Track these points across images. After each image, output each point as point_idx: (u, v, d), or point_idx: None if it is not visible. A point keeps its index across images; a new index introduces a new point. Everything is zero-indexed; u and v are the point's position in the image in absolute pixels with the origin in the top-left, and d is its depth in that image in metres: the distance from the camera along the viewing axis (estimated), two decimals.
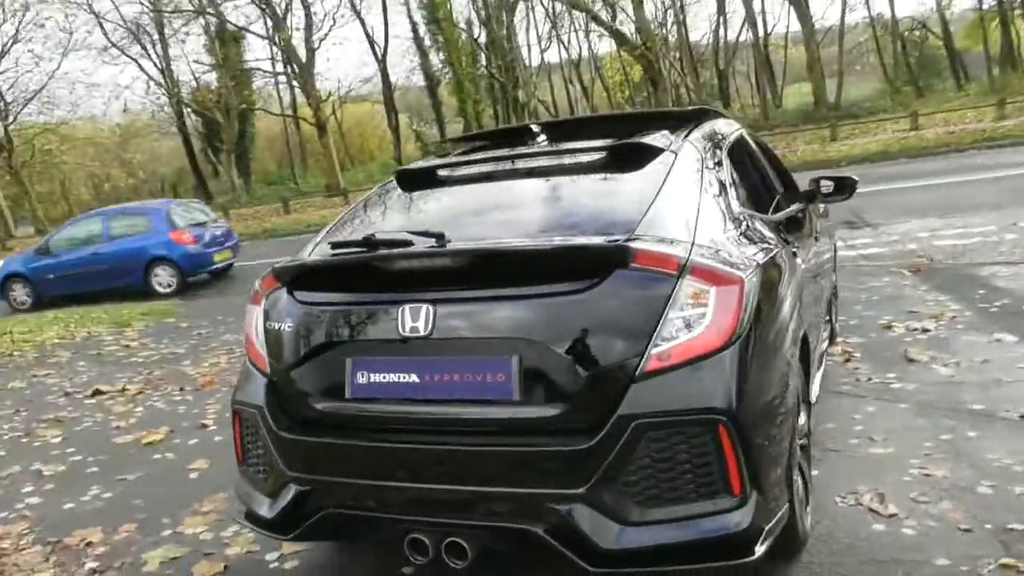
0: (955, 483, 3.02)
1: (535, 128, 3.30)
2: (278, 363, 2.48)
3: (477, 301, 2.23)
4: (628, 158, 2.65)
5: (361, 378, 2.34)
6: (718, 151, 2.84)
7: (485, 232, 2.52)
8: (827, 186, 4.27)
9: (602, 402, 2.08)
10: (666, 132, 2.89)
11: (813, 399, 3.08)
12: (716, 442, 2.05)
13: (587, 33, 36.61)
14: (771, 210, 3.28)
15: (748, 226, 2.63)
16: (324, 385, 2.41)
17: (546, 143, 3.11)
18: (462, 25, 35.83)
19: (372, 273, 2.37)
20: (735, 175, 2.83)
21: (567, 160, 2.78)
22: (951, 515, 2.79)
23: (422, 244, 2.33)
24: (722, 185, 2.67)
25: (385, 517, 2.30)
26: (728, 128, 3.31)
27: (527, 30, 39.43)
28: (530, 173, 2.81)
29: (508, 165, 2.86)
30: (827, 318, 4.46)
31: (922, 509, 2.84)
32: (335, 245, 2.55)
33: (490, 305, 2.22)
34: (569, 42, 42.92)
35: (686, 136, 2.83)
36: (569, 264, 2.18)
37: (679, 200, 2.44)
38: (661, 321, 2.09)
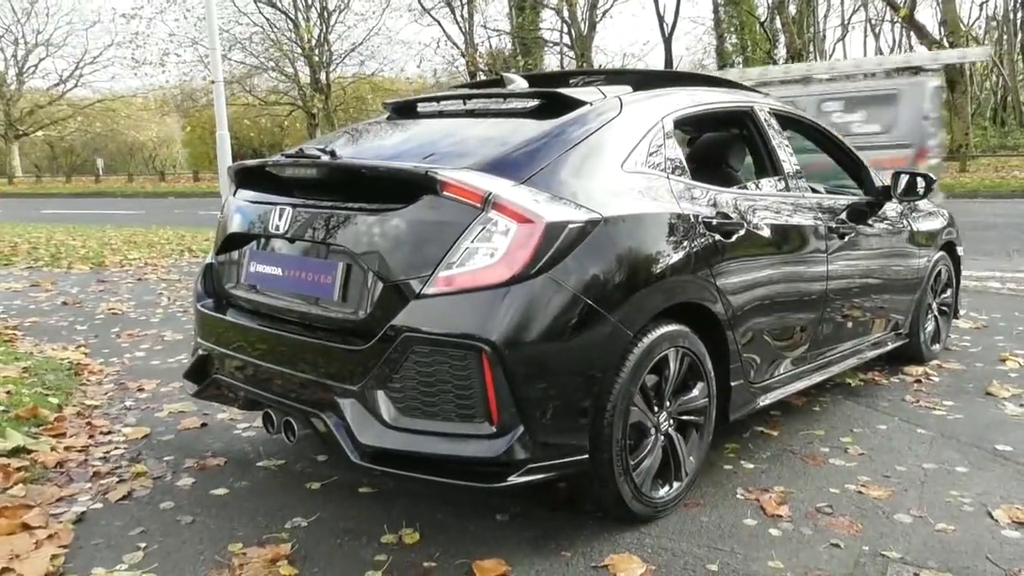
0: (880, 507, 2.73)
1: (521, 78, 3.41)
2: (216, 247, 2.92)
3: (321, 209, 2.50)
4: (550, 106, 2.72)
5: (251, 267, 2.73)
6: (656, 114, 2.79)
7: (371, 153, 2.77)
8: (903, 183, 3.88)
9: (387, 313, 2.25)
10: (612, 88, 2.88)
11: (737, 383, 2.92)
12: (479, 370, 2.14)
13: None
14: (750, 187, 3.14)
15: (652, 189, 2.59)
16: (232, 270, 2.83)
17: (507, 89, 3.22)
18: (760, 11, 34.97)
19: (271, 178, 2.72)
20: (667, 140, 2.76)
21: (504, 105, 2.90)
22: (836, 528, 2.55)
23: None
24: (635, 144, 2.64)
25: (247, 390, 2.67)
26: (706, 97, 3.18)
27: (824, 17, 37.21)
28: (469, 113, 2.97)
29: (460, 105, 3.04)
30: (892, 327, 4.08)
31: (818, 519, 2.63)
32: (284, 155, 2.93)
33: (330, 214, 2.47)
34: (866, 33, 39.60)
35: (625, 95, 2.81)
36: (389, 186, 2.37)
37: (558, 146, 2.48)
38: (453, 247, 2.21)
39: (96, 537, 2.54)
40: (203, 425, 3.56)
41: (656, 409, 2.59)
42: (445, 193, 2.27)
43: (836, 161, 4.10)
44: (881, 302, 3.94)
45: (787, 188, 3.33)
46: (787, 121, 3.60)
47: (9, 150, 36.59)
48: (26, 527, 2.57)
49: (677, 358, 2.61)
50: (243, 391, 2.68)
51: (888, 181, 3.97)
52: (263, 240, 2.70)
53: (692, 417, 2.75)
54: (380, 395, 2.24)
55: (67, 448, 3.25)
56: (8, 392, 3.84)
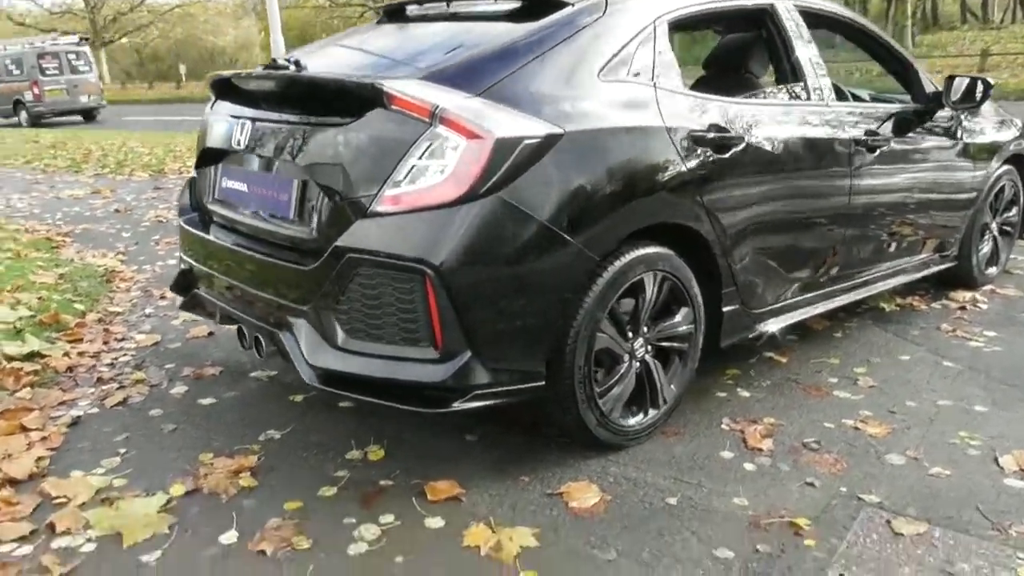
0: (874, 446, 2.57)
1: None
2: (196, 161, 2.90)
3: (278, 123, 2.42)
4: (532, 8, 2.54)
5: (223, 182, 2.70)
6: (647, 16, 2.55)
7: (342, 63, 2.65)
8: (959, 88, 3.52)
9: (334, 233, 2.19)
10: None
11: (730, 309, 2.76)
12: (423, 294, 2.07)
13: None
14: (757, 95, 2.89)
15: (633, 100, 2.40)
16: (208, 185, 2.80)
17: None
18: None
19: (240, 91, 2.65)
20: (658, 45, 2.53)
21: (487, 7, 2.72)
22: (818, 465, 2.42)
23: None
24: (617, 50, 2.44)
25: (219, 305, 2.68)
26: None
27: None
28: (452, 17, 2.80)
29: (444, 7, 2.87)
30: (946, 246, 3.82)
31: (800, 456, 2.51)
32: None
33: (286, 128, 2.39)
34: None
35: None
36: (339, 99, 2.26)
37: (527, 53, 2.31)
38: (400, 164, 2.11)
39: (84, 441, 2.65)
40: (210, 335, 3.64)
41: (630, 335, 2.47)
42: (393, 107, 2.15)
43: (881, 63, 3.73)
44: (922, 222, 3.63)
45: (807, 96, 3.04)
46: (818, 19, 3.25)
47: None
48: (23, 429, 2.70)
49: (655, 282, 2.47)
50: (217, 306, 2.70)
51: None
52: (231, 155, 2.65)
53: (674, 344, 2.62)
54: (329, 316, 2.20)
55: (80, 353, 3.38)
56: (40, 298, 4.02)
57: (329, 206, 2.24)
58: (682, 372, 2.66)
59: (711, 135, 2.55)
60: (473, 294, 2.09)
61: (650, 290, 2.46)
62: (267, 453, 2.54)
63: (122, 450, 2.57)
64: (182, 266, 2.92)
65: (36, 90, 18.32)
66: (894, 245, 3.53)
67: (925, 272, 3.84)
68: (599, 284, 2.31)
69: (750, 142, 2.66)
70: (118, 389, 3.04)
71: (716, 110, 2.62)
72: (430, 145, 2.10)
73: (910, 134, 3.48)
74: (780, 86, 3.05)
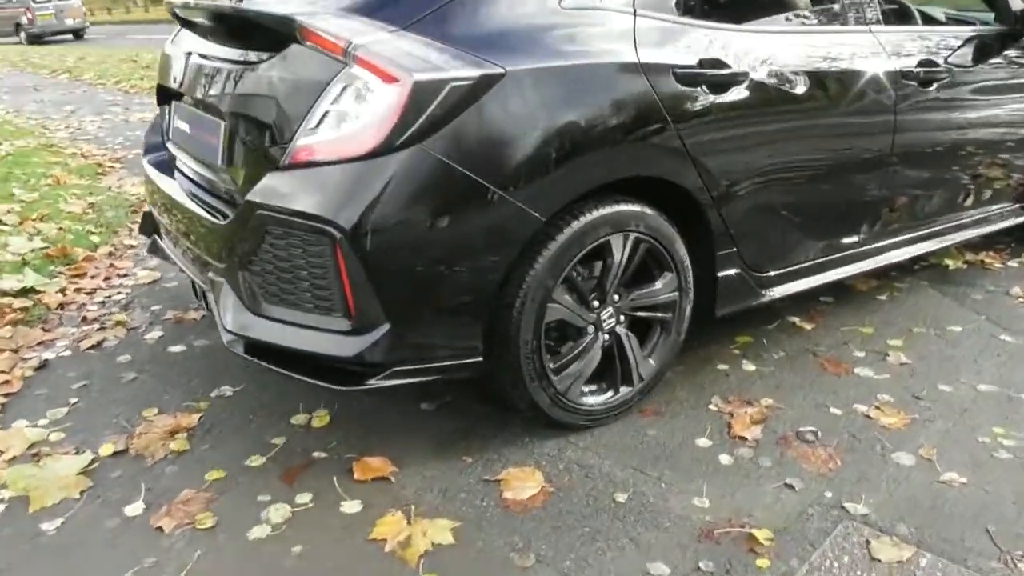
0: (882, 441, 2.21)
1: None
2: (156, 97, 2.72)
3: (210, 59, 2.20)
4: None
5: (174, 122, 2.51)
6: None
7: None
8: None
9: (248, 186, 1.97)
10: None
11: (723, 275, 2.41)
12: (333, 258, 1.84)
13: None
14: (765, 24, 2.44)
15: (601, 32, 2.04)
16: (165, 124, 2.63)
17: None
18: None
19: (187, 23, 2.42)
20: None
21: None
22: (807, 462, 2.10)
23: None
24: None
25: (171, 256, 2.54)
26: None
27: None
28: None
29: None
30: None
31: (790, 448, 2.19)
32: None
33: (217, 65, 2.17)
34: None
35: None
36: (261, 33, 1.99)
37: None
38: (313, 109, 1.85)
39: (43, 387, 2.60)
40: None
41: (596, 304, 2.17)
42: (307, 43, 1.89)
43: None
44: (994, 167, 3.09)
45: (844, 20, 2.56)
46: None
47: None
48: None
49: (625, 245, 2.14)
50: (169, 256, 2.55)
51: None
52: (180, 93, 2.45)
53: (655, 313, 2.30)
54: (246, 278, 2.00)
55: (77, 290, 3.35)
56: (60, 228, 4.03)
57: (247, 154, 2.03)
58: (664, 345, 2.35)
59: (707, 71, 2.15)
60: (390, 260, 1.84)
61: (619, 254, 2.14)
62: (212, 412, 2.42)
63: (74, 400, 2.51)
64: (145, 211, 2.79)
65: (29, 15, 21.27)
66: (957, 194, 3.02)
67: (1002, 224, 3.30)
68: (549, 248, 2.01)
69: (757, 79, 2.24)
70: (98, 331, 2.99)
71: (715, 41, 2.21)
72: (344, 88, 1.82)
73: (986, 63, 2.92)
74: (808, 8, 2.57)
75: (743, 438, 2.22)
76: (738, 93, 2.21)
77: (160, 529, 1.91)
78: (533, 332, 2.05)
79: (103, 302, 3.26)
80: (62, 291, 3.31)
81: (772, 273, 2.52)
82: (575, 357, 2.17)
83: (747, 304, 2.49)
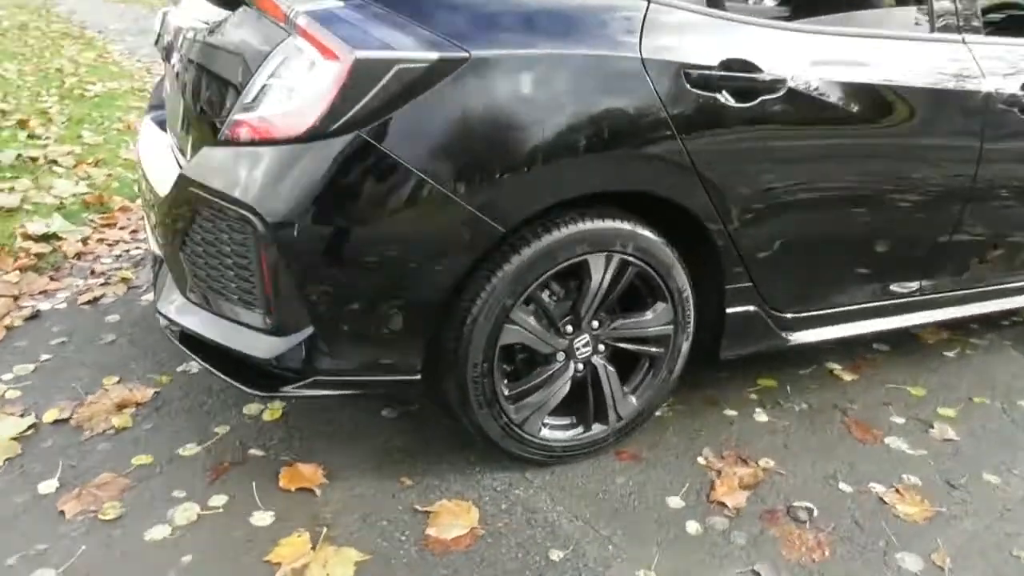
0: (891, 534, 1.86)
1: None
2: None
3: (184, 15, 2.06)
4: None
5: (166, 81, 2.39)
6: None
7: None
8: None
9: (188, 159, 1.81)
10: None
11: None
12: (256, 247, 1.66)
13: None
14: None
15: (602, 20, 1.75)
16: (162, 92, 2.51)
17: None
18: None
19: None
20: None
21: None
22: (790, 549, 1.78)
23: None
24: None
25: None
26: None
27: None
28: None
29: None
30: None
31: (775, 527, 1.87)
32: None
33: (189, 22, 2.01)
34: None
35: None
36: None
37: None
38: (252, 82, 1.66)
39: (24, 339, 2.56)
40: None
41: (569, 330, 1.91)
42: (255, 5, 1.70)
43: None
44: None
45: (925, 25, 2.15)
46: None
47: None
48: None
49: (608, 267, 1.86)
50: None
51: None
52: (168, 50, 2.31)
53: (642, 347, 2.01)
54: (183, 258, 1.84)
55: (99, 240, 3.34)
56: (110, 175, 4.06)
57: (196, 122, 1.87)
58: (651, 384, 2.05)
59: (731, 75, 1.83)
60: (316, 258, 1.64)
61: (599, 277, 1.87)
62: (170, 389, 2.30)
63: (45, 357, 2.45)
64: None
65: None
66: None
67: None
68: (511, 263, 1.76)
69: (798, 88, 1.90)
70: (100, 285, 2.94)
71: (747, 40, 1.87)
72: (284, 60, 1.62)
73: None
74: (888, 7, 2.17)
75: (722, 504, 1.91)
76: (770, 104, 1.87)
77: (63, 513, 1.80)
78: (484, 354, 1.80)
79: (119, 256, 3.23)
80: (84, 240, 3.29)
81: (799, 315, 2.17)
82: (537, 386, 1.92)
83: (763, 347, 2.16)
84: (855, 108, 1.98)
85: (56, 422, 2.13)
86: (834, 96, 1.95)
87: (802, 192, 1.99)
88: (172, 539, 1.74)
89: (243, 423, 2.15)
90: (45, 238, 3.24)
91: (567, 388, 1.95)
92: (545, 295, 1.88)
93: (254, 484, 1.91)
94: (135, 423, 2.14)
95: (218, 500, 1.86)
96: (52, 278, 2.98)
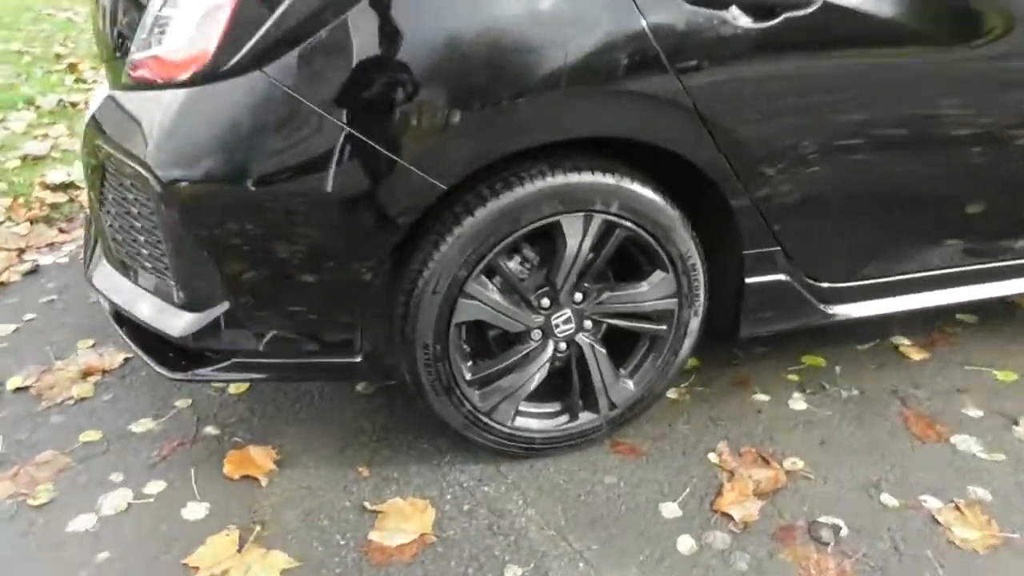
0: (934, 565, 1.50)
1: None
2: None
3: None
4: None
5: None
6: None
7: None
8: None
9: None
10: None
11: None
12: (156, 208, 1.43)
13: None
14: None
15: None
16: None
17: None
18: None
19: None
20: None
21: None
22: (794, 562, 1.45)
23: None
24: None
25: None
26: None
27: None
28: None
29: None
30: None
31: (788, 550, 1.54)
32: None
33: None
34: None
35: None
36: None
37: None
38: (147, 12, 1.41)
39: (16, 295, 2.46)
40: None
41: (546, 305, 1.60)
42: None
43: None
44: None
45: None
46: None
47: None
48: None
49: (587, 230, 1.54)
50: None
51: None
52: None
53: (639, 324, 1.68)
54: (105, 220, 1.64)
55: None
56: None
57: (109, 63, 1.63)
58: (652, 367, 1.73)
59: None
60: (222, 221, 1.39)
61: (576, 242, 1.54)
62: (140, 362, 2.14)
63: (30, 316, 2.34)
64: None
65: None
66: None
67: None
68: (463, 226, 1.46)
69: (839, 2, 1.47)
70: None
71: None
72: None
73: None
74: None
75: (728, 516, 1.59)
76: (800, 22, 1.46)
77: None
78: (435, 334, 1.53)
79: None
80: None
81: (841, 284, 1.78)
82: (507, 368, 1.63)
83: (797, 324, 1.79)
84: (920, 26, 1.54)
85: (17, 390, 2.01)
86: (891, 11, 1.51)
87: (849, 136, 1.58)
88: (94, 532, 1.58)
89: (206, 397, 1.97)
90: (63, 187, 3.14)
91: (544, 371, 1.65)
92: (514, 263, 1.57)
93: (195, 470, 1.72)
94: (96, 393, 1.99)
95: (155, 487, 1.69)
96: (62, 230, 2.88)
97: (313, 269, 1.43)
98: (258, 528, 1.57)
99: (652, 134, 1.47)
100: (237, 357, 1.50)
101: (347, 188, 1.37)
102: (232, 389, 1.99)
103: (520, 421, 1.68)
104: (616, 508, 1.62)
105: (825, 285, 1.76)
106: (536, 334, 1.62)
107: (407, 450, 1.78)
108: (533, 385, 1.65)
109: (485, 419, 1.64)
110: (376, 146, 1.34)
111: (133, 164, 1.41)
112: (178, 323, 1.49)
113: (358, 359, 1.53)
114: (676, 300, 1.65)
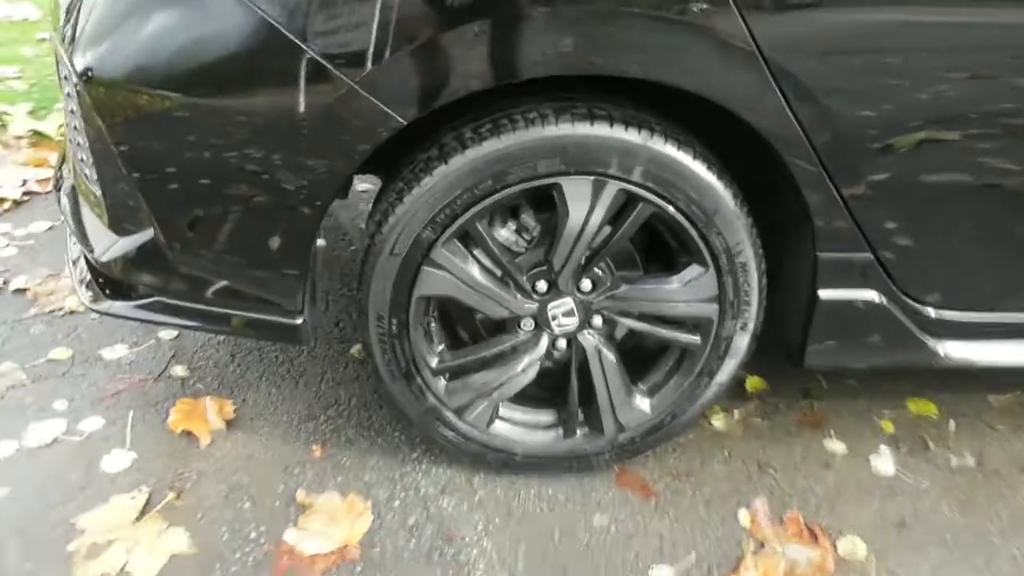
0: None
1: None
2: None
3: None
4: None
5: None
6: None
7: None
8: None
9: None
10: None
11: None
12: (78, 104, 1.20)
13: None
14: None
15: None
16: None
17: None
18: None
19: None
20: None
21: None
22: None
23: None
24: None
25: None
26: None
27: None
28: None
29: None
30: None
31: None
32: None
33: None
34: None
35: None
36: None
37: None
38: None
39: (6, 223, 2.30)
40: None
41: (542, 288, 1.25)
42: None
43: None
44: None
45: None
46: None
47: None
48: None
49: (599, 200, 1.15)
50: None
51: None
52: None
53: (668, 331, 1.29)
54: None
55: None
56: None
57: None
58: (677, 386, 1.33)
59: None
60: (150, 135, 1.13)
61: (580, 213, 1.16)
62: None
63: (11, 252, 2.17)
64: None
65: None
66: None
67: None
68: (433, 177, 1.13)
69: None
70: None
71: None
72: None
73: None
74: None
75: None
76: None
77: None
78: (391, 305, 1.21)
79: None
80: None
81: (961, 314, 1.29)
82: (485, 361, 1.29)
83: (885, 361, 1.33)
84: None
85: (17, 292, 1.90)
86: None
87: (994, 101, 1.09)
88: (5, 460, 1.41)
89: (193, 332, 1.76)
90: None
91: (534, 371, 1.30)
92: (507, 232, 1.23)
93: (137, 414, 1.52)
94: (87, 309, 1.83)
95: (90, 424, 1.50)
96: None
97: (247, 201, 1.15)
98: (171, 496, 1.35)
99: (695, 79, 1.06)
100: (161, 296, 1.26)
101: (288, 111, 1.07)
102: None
103: (499, 427, 1.35)
104: (593, 560, 1.26)
105: (936, 313, 1.28)
106: (527, 323, 1.27)
107: (373, 436, 1.49)
108: (518, 386, 1.30)
109: (452, 418, 1.32)
110: (327, 64, 1.02)
111: (64, 64, 1.18)
112: (101, 243, 1.27)
113: (298, 321, 1.24)
114: (716, 306, 1.24)
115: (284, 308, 1.24)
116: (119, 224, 1.23)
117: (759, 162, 1.15)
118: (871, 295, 1.24)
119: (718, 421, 1.53)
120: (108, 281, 1.32)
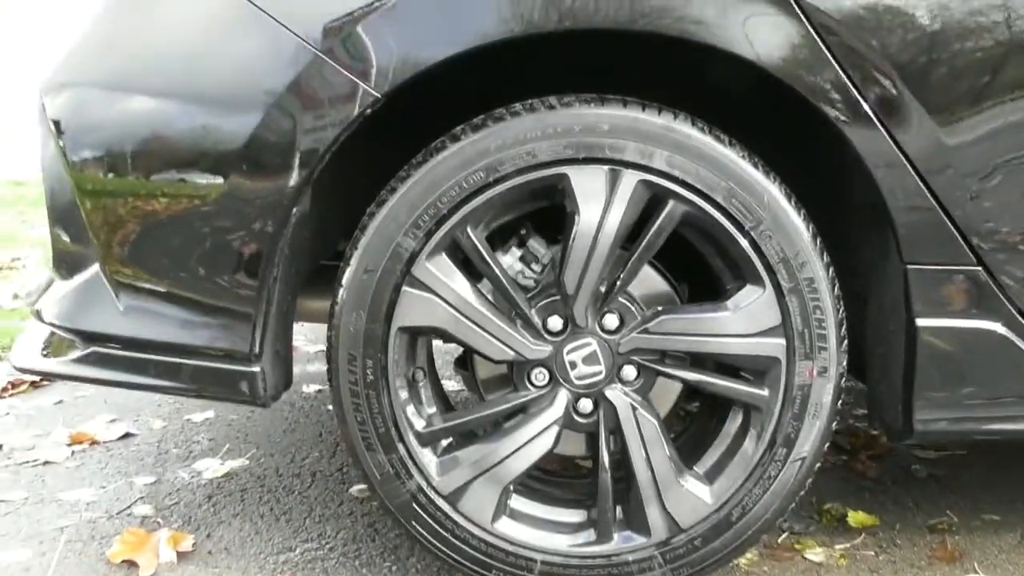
0: None
1: None
2: None
3: None
4: None
5: None
6: None
7: None
8: None
9: None
10: None
11: None
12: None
13: None
14: None
15: None
16: None
17: None
18: None
19: None
20: None
21: None
22: None
23: None
24: None
25: None
26: None
27: None
28: None
29: None
30: None
31: None
32: None
33: None
34: None
35: None
36: None
37: None
38: None
39: None
40: None
41: (557, 326, 1.00)
42: None
43: None
44: None
45: None
46: None
47: None
48: None
49: (615, 195, 0.95)
50: None
51: None
52: None
53: (722, 381, 0.99)
54: None
55: None
56: None
57: None
58: (745, 464, 0.99)
59: None
60: (91, 143, 1.03)
61: (593, 213, 0.95)
62: None
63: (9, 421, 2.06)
64: None
65: None
66: None
67: None
68: (419, 173, 0.96)
69: None
70: None
71: None
72: None
73: None
74: None
75: None
76: None
77: None
78: (365, 340, 0.97)
79: None
80: None
81: None
82: (482, 424, 1.01)
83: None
84: None
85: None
86: None
87: None
88: None
89: (173, 478, 1.51)
90: None
91: (550, 440, 1.00)
92: (510, 258, 1.02)
93: (69, 546, 1.23)
94: (65, 459, 1.62)
95: (13, 556, 1.22)
96: None
97: (201, 215, 0.99)
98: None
99: (718, 36, 0.90)
100: (97, 345, 1.05)
101: (245, 84, 0.95)
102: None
103: (505, 526, 1.01)
104: None
105: None
106: (539, 375, 1.00)
107: (358, 568, 1.15)
108: (528, 461, 1.00)
109: (445, 507, 1.00)
110: (289, 28, 0.92)
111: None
112: (44, 301, 1.10)
113: (254, 368, 1.01)
114: (783, 341, 0.96)
115: (235, 354, 1.01)
116: (65, 260, 1.08)
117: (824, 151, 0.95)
118: (990, 325, 0.95)
119: (814, 554, 1.14)
120: (49, 346, 1.13)
